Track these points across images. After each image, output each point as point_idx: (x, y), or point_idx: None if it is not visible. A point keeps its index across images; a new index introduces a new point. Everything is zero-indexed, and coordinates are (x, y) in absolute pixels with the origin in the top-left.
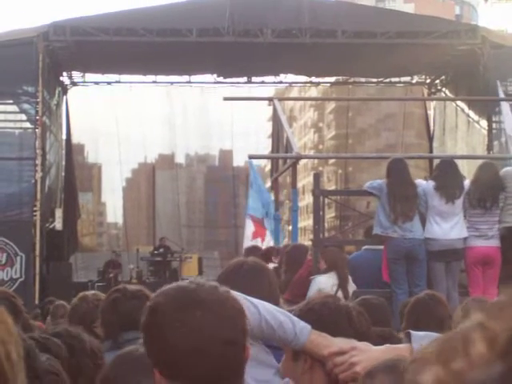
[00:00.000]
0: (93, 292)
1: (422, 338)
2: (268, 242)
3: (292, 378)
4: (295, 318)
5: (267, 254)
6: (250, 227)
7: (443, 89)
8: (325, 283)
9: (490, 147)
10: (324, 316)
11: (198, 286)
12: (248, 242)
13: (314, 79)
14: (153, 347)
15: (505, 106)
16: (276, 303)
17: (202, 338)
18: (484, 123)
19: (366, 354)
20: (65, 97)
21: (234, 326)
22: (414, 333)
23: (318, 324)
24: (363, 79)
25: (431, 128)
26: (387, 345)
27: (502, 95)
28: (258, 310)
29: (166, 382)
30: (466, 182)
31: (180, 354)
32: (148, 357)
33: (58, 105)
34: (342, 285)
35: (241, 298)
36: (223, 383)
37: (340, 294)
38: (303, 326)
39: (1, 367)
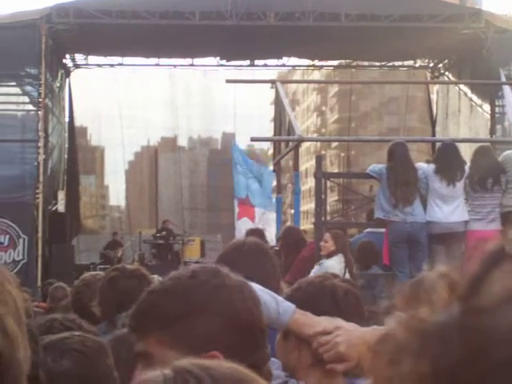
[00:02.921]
0: (98, 274)
1: None
2: (260, 219)
3: (282, 356)
4: (280, 298)
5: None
6: (236, 209)
7: (446, 73)
8: (332, 267)
9: (492, 131)
10: (309, 295)
11: None
12: (236, 223)
13: (316, 62)
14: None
15: (508, 92)
16: (277, 283)
17: None
18: (487, 107)
19: (351, 334)
20: (67, 79)
21: None
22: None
23: (303, 303)
24: (366, 63)
25: (434, 112)
26: (374, 326)
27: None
28: None
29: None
30: (466, 166)
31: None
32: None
33: (61, 87)
34: (350, 268)
35: None
36: None
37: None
38: (287, 306)
39: None
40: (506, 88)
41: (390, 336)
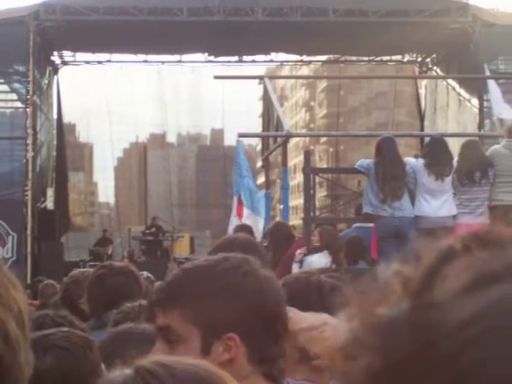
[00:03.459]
0: (87, 271)
1: None
2: (247, 218)
3: None
4: None
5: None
6: (234, 206)
7: (434, 67)
8: (317, 263)
9: (481, 126)
10: (294, 291)
11: None
12: (233, 220)
13: (305, 58)
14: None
15: (492, 87)
16: None
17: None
18: (475, 101)
19: (338, 329)
20: (56, 76)
21: None
22: None
23: (289, 299)
24: (354, 58)
25: (422, 106)
26: None
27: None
28: None
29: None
30: (455, 161)
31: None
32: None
33: (49, 84)
34: (337, 264)
35: None
36: None
37: None
38: None
39: None
40: (491, 82)
41: (349, 331)
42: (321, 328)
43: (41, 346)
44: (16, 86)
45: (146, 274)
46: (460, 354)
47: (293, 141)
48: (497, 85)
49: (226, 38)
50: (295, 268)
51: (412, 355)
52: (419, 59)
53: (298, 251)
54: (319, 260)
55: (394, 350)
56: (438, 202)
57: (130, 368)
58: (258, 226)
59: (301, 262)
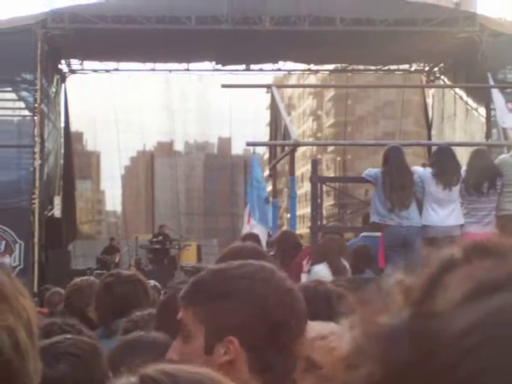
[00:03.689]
0: (89, 279)
1: None
2: (252, 227)
3: None
4: None
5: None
6: (246, 215)
7: (442, 76)
8: (324, 272)
9: (488, 135)
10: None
11: None
12: (245, 227)
13: (312, 67)
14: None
15: (496, 97)
16: None
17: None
18: (482, 111)
19: (345, 339)
20: (63, 84)
21: None
22: None
23: None
24: (362, 67)
25: (429, 116)
26: None
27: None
28: None
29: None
30: (462, 170)
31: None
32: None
33: (57, 92)
34: (336, 273)
35: None
36: None
37: None
38: None
39: (7, 360)
40: (495, 92)
41: (351, 340)
42: (328, 338)
43: (49, 354)
44: (24, 94)
45: (152, 282)
46: (459, 364)
47: (300, 150)
48: (501, 94)
49: (234, 46)
50: (304, 278)
51: (412, 365)
52: (427, 68)
53: (305, 261)
54: (326, 269)
55: (394, 360)
56: (445, 212)
57: (135, 376)
58: (263, 236)
59: (309, 271)
